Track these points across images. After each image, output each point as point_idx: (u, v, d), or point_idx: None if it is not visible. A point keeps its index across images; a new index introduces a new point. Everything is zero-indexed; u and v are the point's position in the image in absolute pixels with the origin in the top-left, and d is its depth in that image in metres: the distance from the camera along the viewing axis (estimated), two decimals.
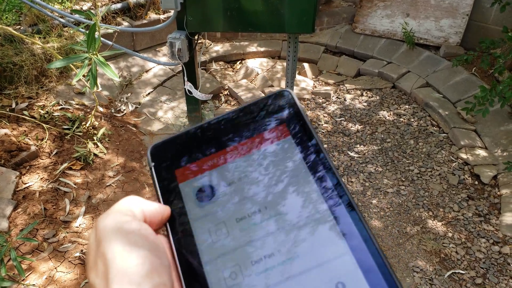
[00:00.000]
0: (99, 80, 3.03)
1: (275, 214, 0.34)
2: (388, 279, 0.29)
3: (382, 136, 3.02)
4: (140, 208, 0.33)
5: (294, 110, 0.38)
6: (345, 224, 0.32)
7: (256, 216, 0.35)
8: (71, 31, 3.11)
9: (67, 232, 2.19)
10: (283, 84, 3.60)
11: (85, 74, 1.04)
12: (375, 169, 2.73)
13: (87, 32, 1.08)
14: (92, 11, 3.34)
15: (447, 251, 2.17)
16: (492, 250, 2.18)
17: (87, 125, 2.67)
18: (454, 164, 2.74)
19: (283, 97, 0.39)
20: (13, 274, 1.92)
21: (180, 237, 0.35)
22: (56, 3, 3.37)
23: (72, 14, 2.83)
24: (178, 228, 0.35)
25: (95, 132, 2.72)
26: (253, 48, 3.99)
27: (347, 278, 0.30)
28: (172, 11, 2.44)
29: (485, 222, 2.34)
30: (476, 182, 2.62)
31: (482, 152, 2.78)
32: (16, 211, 2.22)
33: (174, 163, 0.39)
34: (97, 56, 1.05)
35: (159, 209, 0.34)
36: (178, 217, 0.36)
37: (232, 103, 3.47)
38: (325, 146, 2.95)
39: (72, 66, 1.34)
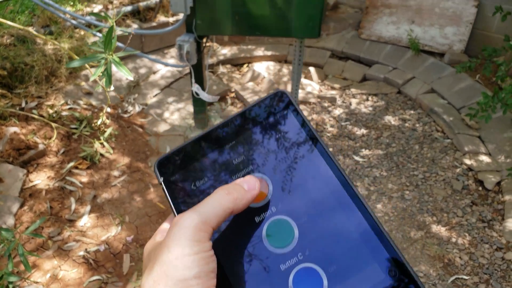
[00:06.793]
0: None
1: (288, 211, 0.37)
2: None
3: (387, 140, 3.04)
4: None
5: (292, 109, 0.40)
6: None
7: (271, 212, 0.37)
8: (82, 33, 3.16)
9: (72, 231, 2.21)
10: (289, 88, 3.62)
11: (100, 73, 1.08)
12: (380, 173, 2.74)
13: (102, 34, 1.11)
14: (104, 13, 3.40)
15: (450, 257, 2.18)
16: (495, 256, 2.18)
17: (99, 123, 2.70)
18: (458, 169, 2.75)
19: (279, 98, 0.41)
20: (18, 271, 1.94)
21: None
22: (68, 5, 3.43)
23: (88, 16, 2.87)
24: None
25: (105, 130, 2.75)
26: (260, 52, 4.02)
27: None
28: (182, 15, 2.48)
29: (489, 228, 2.35)
30: (480, 188, 2.63)
31: (486, 158, 2.80)
32: (22, 209, 2.24)
33: (183, 175, 0.39)
34: (112, 56, 1.08)
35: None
36: None
37: (238, 106, 3.49)
38: (331, 149, 2.95)
39: (86, 66, 1.37)
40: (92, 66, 2.47)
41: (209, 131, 0.40)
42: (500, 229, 2.34)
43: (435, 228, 2.35)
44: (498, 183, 2.63)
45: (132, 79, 1.15)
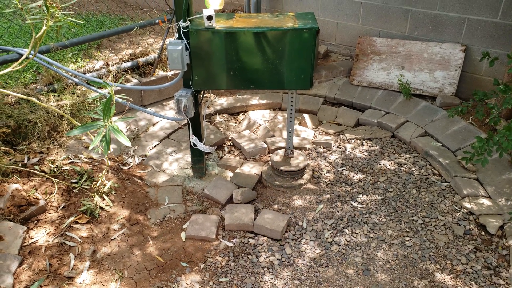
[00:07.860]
0: None
1: None
2: None
3: (384, 185, 3.05)
4: None
5: None
6: None
7: None
8: (83, 89, 3.29)
9: None
10: (284, 134, 3.70)
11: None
12: (379, 219, 2.73)
13: (101, 103, 1.18)
14: (104, 69, 3.55)
15: None
16: None
17: (98, 184, 2.75)
18: (458, 214, 2.74)
19: None
20: None
21: None
22: (71, 62, 3.59)
23: (89, 74, 3.01)
24: None
25: (104, 191, 2.79)
26: (255, 101, 4.15)
27: None
28: (179, 71, 2.61)
29: (495, 275, 2.29)
30: (483, 233, 2.60)
31: (486, 201, 2.79)
32: (21, 267, 2.22)
33: None
34: (111, 124, 1.14)
35: None
36: None
37: (235, 153, 3.55)
38: (328, 196, 2.97)
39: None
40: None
41: None
42: (507, 276, 2.28)
43: (439, 276, 2.30)
44: (501, 227, 2.60)
45: (130, 145, 1.20)
